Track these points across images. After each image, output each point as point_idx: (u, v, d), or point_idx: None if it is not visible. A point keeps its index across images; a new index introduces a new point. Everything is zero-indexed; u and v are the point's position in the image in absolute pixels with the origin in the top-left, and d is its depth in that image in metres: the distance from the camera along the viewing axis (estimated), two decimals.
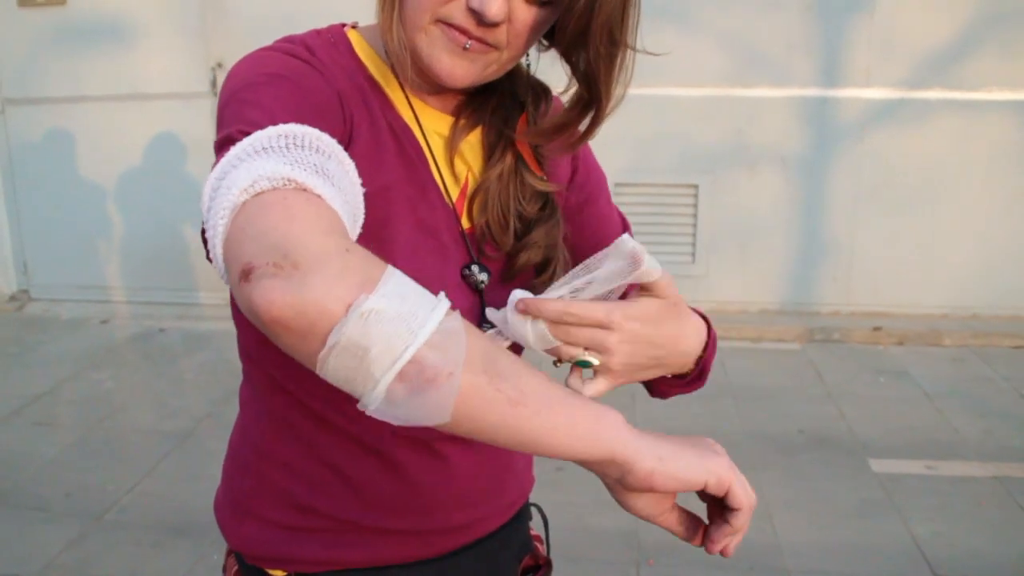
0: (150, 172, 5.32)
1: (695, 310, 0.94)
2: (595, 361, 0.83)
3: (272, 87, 0.83)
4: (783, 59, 4.82)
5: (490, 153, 1.00)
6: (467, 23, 0.85)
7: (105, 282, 5.52)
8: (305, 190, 0.69)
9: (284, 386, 0.98)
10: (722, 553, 0.81)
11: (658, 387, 1.01)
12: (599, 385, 0.85)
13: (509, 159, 0.99)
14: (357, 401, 0.97)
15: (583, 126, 0.95)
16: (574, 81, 0.93)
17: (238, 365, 1.07)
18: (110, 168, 5.35)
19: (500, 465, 1.08)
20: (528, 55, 0.97)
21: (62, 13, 5.16)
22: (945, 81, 4.74)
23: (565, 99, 0.95)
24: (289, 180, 0.69)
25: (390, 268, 0.65)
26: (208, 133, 5.18)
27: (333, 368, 0.64)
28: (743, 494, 0.75)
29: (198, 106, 5.17)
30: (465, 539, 1.05)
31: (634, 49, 0.90)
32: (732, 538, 0.79)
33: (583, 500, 3.10)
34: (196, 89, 5.16)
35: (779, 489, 3.21)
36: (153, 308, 5.37)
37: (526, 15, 0.86)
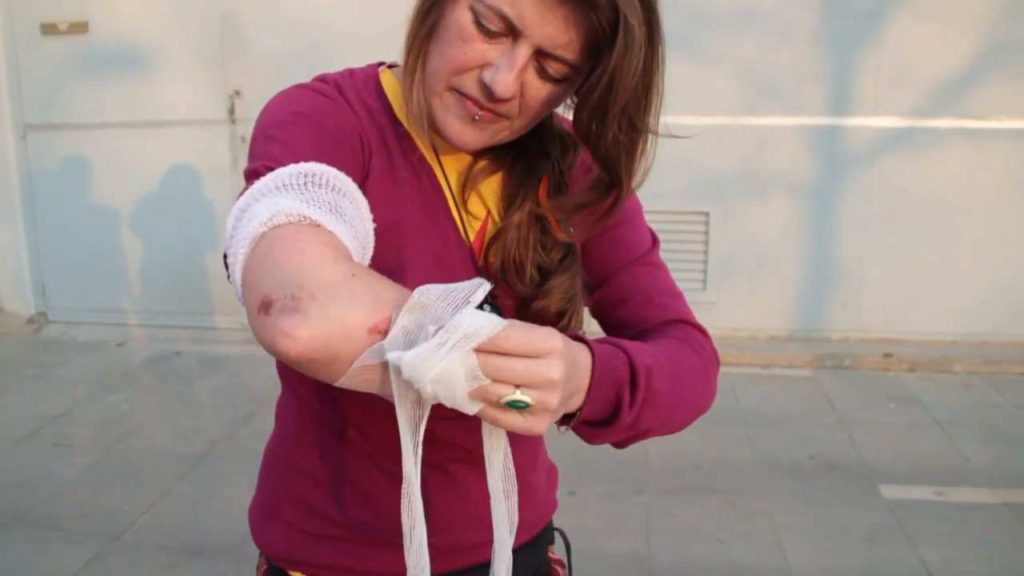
0: (168, 197, 5.39)
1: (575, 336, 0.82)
2: (530, 401, 0.69)
3: (296, 125, 0.89)
4: (793, 88, 4.87)
5: (511, 201, 1.00)
6: (478, 95, 0.88)
7: (122, 305, 5.59)
8: (318, 225, 0.75)
9: (308, 401, 1.04)
10: None
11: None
12: (539, 427, 0.72)
13: (529, 207, 0.99)
14: (374, 420, 1.01)
15: (606, 205, 0.96)
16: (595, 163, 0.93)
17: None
18: (128, 193, 5.43)
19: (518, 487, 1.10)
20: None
21: (84, 41, 5.26)
22: (953, 110, 4.78)
23: (589, 175, 0.96)
24: (304, 216, 0.75)
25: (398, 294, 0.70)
26: (225, 160, 5.26)
27: (359, 383, 0.71)
28: None
29: (216, 133, 5.25)
30: (477, 558, 1.07)
31: (656, 134, 0.90)
32: None
33: (595, 524, 3.12)
34: (214, 116, 5.23)
35: (789, 514, 3.23)
36: (169, 331, 5.42)
37: (539, 91, 0.88)
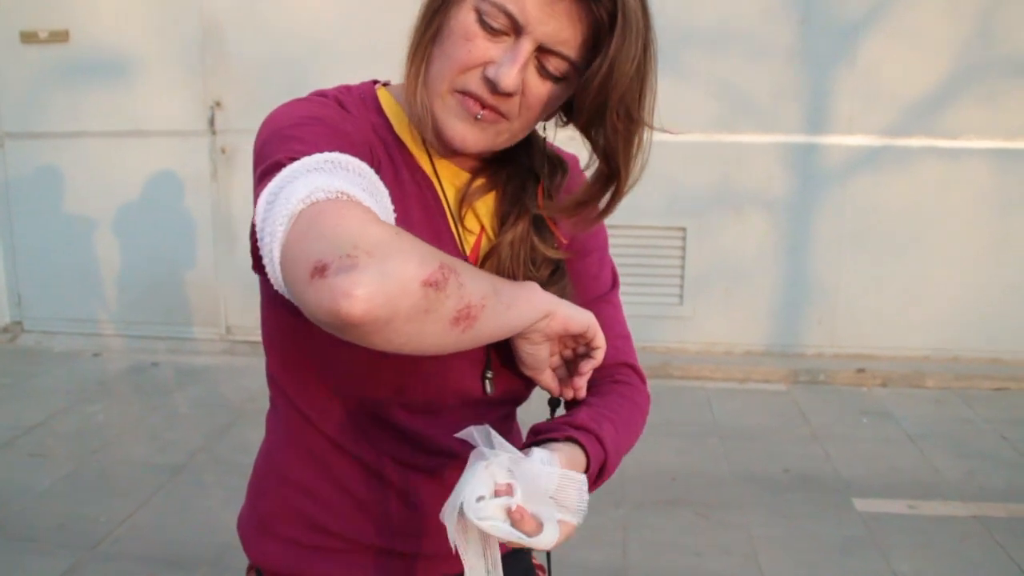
0: (146, 207, 5.37)
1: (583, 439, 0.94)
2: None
3: (311, 126, 0.90)
4: (769, 106, 4.93)
5: (503, 219, 1.03)
6: (482, 91, 0.90)
7: (98, 315, 5.56)
8: (355, 201, 0.77)
9: (302, 411, 1.04)
10: (577, 395, 1.02)
11: None
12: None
13: (522, 226, 1.02)
14: (368, 428, 1.02)
15: (603, 203, 0.99)
16: (595, 158, 0.97)
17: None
18: (107, 202, 5.41)
19: None
20: (544, 128, 1.02)
21: (64, 50, 5.24)
22: (926, 129, 4.86)
23: (587, 175, 0.99)
24: (342, 193, 0.76)
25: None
26: (205, 171, 5.25)
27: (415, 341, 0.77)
28: (602, 335, 0.97)
29: (195, 144, 5.24)
30: None
31: (651, 127, 0.94)
32: (589, 375, 1.01)
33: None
34: (194, 127, 5.23)
35: (765, 528, 3.26)
36: (146, 342, 5.40)
37: (540, 89, 0.91)
